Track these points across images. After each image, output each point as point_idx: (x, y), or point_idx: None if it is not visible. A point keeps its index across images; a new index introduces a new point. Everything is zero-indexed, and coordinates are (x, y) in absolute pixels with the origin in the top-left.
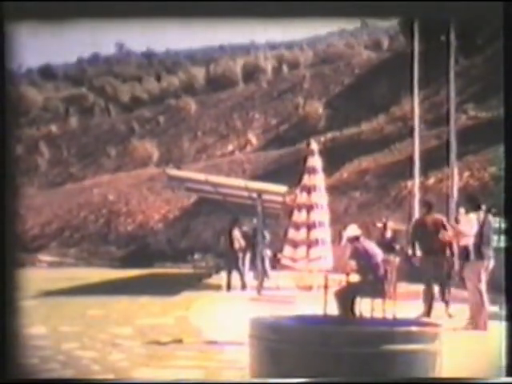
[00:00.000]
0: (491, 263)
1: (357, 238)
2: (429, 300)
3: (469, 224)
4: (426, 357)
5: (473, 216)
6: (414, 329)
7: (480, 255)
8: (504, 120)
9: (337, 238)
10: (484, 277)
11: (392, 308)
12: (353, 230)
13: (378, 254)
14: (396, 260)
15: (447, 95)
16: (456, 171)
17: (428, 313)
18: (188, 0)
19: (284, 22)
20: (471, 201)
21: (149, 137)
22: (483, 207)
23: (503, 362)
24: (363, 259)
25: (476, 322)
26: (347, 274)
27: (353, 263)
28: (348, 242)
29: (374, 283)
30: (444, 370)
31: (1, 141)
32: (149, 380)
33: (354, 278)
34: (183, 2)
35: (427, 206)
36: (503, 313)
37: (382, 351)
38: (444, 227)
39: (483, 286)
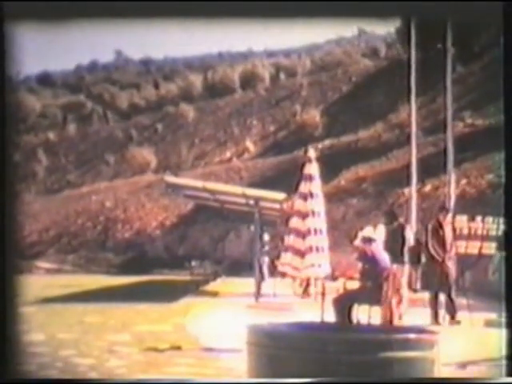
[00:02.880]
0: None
1: (370, 241)
2: (434, 307)
3: (378, 233)
4: (423, 364)
5: (382, 226)
6: (411, 336)
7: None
8: (504, 126)
9: (352, 237)
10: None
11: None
12: (369, 231)
13: (385, 261)
14: (397, 267)
15: (444, 102)
16: (453, 178)
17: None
18: (187, 0)
19: (282, 29)
20: (388, 215)
21: (147, 144)
22: (400, 220)
23: (503, 362)
24: (369, 264)
25: None
26: (349, 278)
27: (359, 265)
28: (361, 242)
29: (372, 290)
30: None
31: (7, 150)
32: (148, 381)
33: (353, 284)
34: (182, 10)
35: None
36: (503, 320)
37: (379, 358)
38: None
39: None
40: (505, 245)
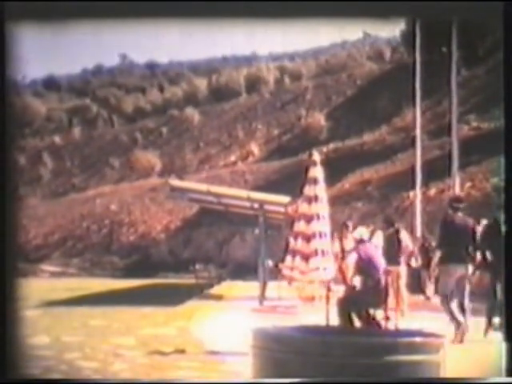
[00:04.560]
0: (402, 270)
1: (362, 241)
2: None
3: (377, 237)
4: (429, 368)
5: (380, 232)
6: (417, 339)
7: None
8: (504, 130)
9: (343, 233)
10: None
11: (395, 318)
12: (361, 232)
13: (379, 259)
14: (399, 270)
15: (449, 106)
16: (458, 182)
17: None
18: None
19: (286, 32)
20: (387, 221)
21: (152, 147)
22: (396, 226)
23: (503, 362)
24: (364, 263)
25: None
26: (345, 281)
27: (354, 266)
28: (354, 243)
29: (374, 293)
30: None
31: (4, 151)
32: (147, 381)
33: (356, 282)
34: (186, 14)
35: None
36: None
37: (385, 362)
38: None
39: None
40: (505, 248)
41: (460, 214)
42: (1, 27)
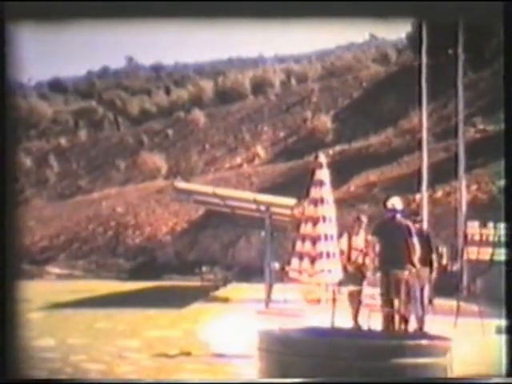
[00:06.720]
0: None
1: (394, 211)
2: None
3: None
4: (436, 371)
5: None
6: (424, 342)
7: None
8: (504, 134)
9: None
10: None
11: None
12: (396, 201)
13: (408, 230)
14: (405, 274)
15: (455, 108)
16: (464, 184)
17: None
18: (197, 0)
19: (292, 34)
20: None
21: (157, 149)
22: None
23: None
24: (389, 232)
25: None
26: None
27: (375, 240)
28: (386, 211)
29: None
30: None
31: (10, 153)
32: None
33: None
34: (192, 16)
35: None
36: (503, 324)
37: (391, 365)
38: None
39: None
40: (506, 250)
41: (417, 225)
42: (1, 27)
